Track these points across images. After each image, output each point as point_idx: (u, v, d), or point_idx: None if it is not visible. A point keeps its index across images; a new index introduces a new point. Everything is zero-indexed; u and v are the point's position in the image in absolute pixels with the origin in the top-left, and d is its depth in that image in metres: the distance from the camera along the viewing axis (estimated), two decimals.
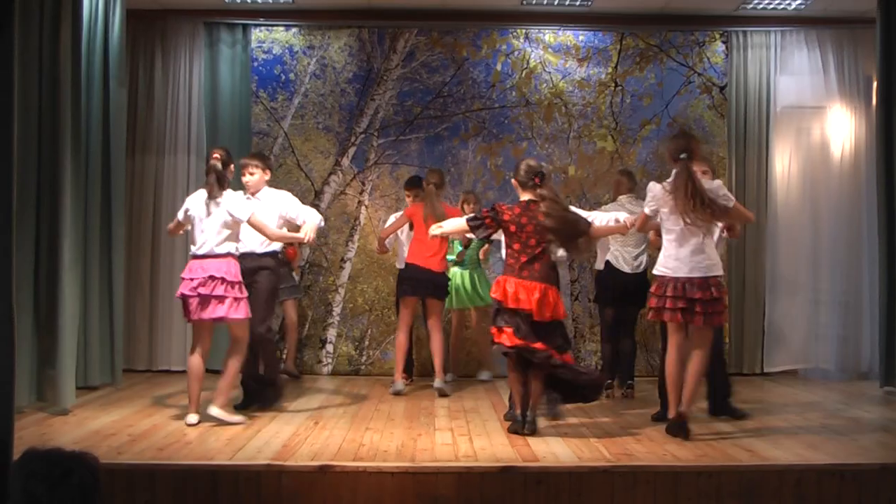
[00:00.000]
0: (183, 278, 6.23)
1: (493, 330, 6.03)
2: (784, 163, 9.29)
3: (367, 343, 9.07)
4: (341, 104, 9.26)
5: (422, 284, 7.70)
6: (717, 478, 5.03)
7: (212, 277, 6.11)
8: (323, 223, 7.18)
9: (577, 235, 6.05)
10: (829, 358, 9.11)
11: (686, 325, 5.88)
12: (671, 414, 5.98)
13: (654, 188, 6.01)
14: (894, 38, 7.82)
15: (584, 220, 6.13)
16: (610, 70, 9.32)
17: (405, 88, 9.26)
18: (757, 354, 9.15)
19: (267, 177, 6.92)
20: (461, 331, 8.68)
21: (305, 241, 6.63)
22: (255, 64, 9.21)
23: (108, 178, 7.62)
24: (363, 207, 9.22)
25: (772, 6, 8.78)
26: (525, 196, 6.08)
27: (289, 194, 7.08)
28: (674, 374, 5.95)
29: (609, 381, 7.65)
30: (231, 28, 9.16)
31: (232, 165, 6.49)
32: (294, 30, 9.27)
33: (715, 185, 5.97)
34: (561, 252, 6.19)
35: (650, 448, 5.58)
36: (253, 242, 6.63)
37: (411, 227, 7.90)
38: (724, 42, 9.36)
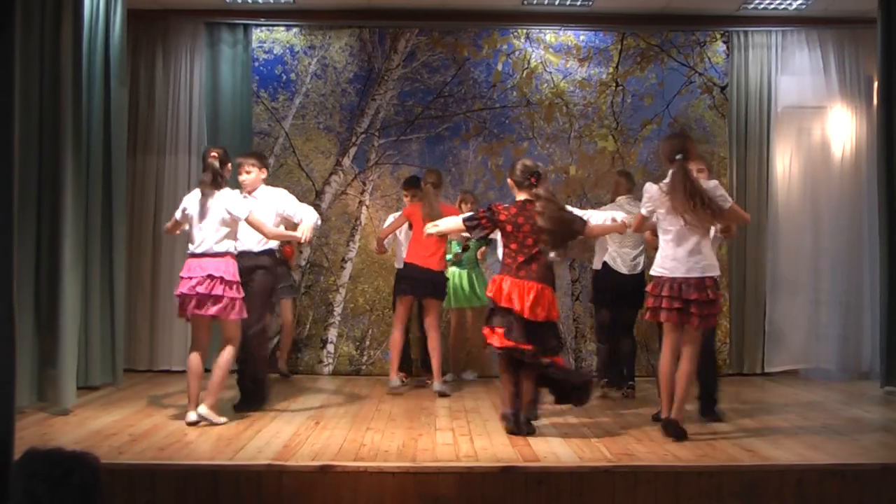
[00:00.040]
0: (182, 277, 6.24)
1: (486, 330, 6.04)
2: (785, 163, 9.30)
3: (367, 343, 9.07)
4: (342, 104, 9.26)
5: (420, 284, 7.70)
6: (718, 478, 5.03)
7: (210, 277, 6.11)
8: (320, 221, 7.20)
9: (571, 236, 6.05)
10: (829, 358, 9.11)
11: (681, 325, 5.88)
12: (664, 413, 5.99)
13: (650, 189, 6.01)
14: (895, 38, 7.81)
15: (580, 219, 6.12)
16: (611, 70, 9.32)
17: (406, 88, 9.26)
18: (758, 354, 9.15)
19: (263, 175, 6.93)
20: (460, 331, 8.67)
21: (302, 240, 6.63)
22: (256, 64, 9.22)
23: (109, 178, 7.62)
24: (364, 207, 9.22)
25: (773, 6, 8.78)
26: (521, 196, 6.08)
27: (285, 192, 7.09)
28: (667, 373, 5.96)
29: (604, 381, 7.68)
30: (232, 28, 9.17)
31: (229, 164, 6.50)
32: (295, 30, 9.28)
33: (711, 186, 5.97)
34: (552, 254, 6.15)
35: (651, 448, 5.57)
36: (250, 241, 6.63)
37: (410, 227, 7.90)
38: (725, 42, 9.36)
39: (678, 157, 5.87)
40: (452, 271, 8.29)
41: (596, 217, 6.41)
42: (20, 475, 2.62)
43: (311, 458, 5.17)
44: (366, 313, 9.11)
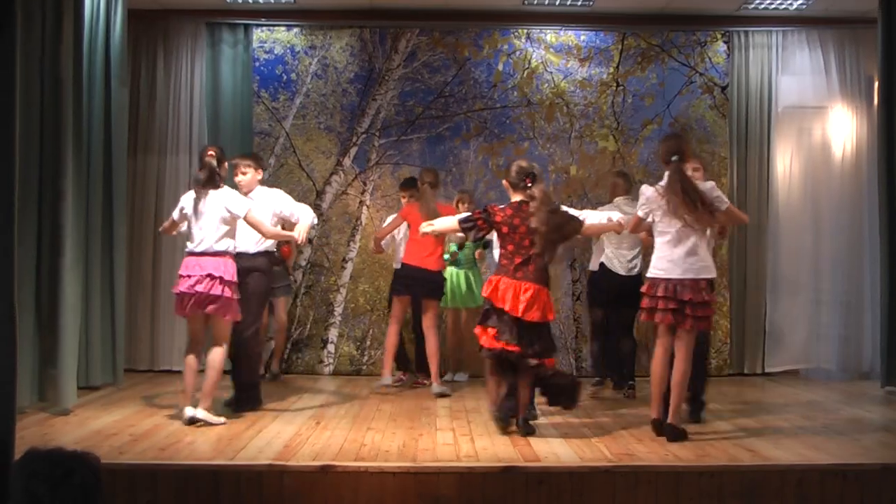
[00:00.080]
0: (180, 275, 6.23)
1: (478, 329, 6.05)
2: (785, 163, 9.30)
3: (368, 343, 9.07)
4: (343, 104, 9.26)
5: (417, 284, 7.71)
6: (719, 478, 5.03)
7: (210, 276, 6.11)
8: (316, 220, 7.24)
9: (565, 237, 6.06)
10: (830, 358, 9.11)
11: (675, 326, 5.88)
12: (653, 414, 5.99)
13: (646, 191, 6.02)
14: None
15: (576, 219, 6.13)
16: (611, 70, 9.32)
17: (407, 88, 9.26)
18: (758, 354, 9.15)
19: (259, 176, 6.93)
20: (456, 331, 8.65)
21: (300, 240, 6.65)
22: (257, 64, 9.22)
23: (110, 178, 7.63)
24: (365, 207, 9.22)
25: (773, 6, 8.78)
26: (517, 197, 6.08)
27: (281, 192, 7.11)
28: (660, 374, 5.97)
29: (598, 380, 7.71)
30: (233, 28, 9.17)
31: (226, 163, 6.51)
32: (296, 30, 9.27)
33: (708, 187, 5.97)
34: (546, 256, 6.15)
35: (651, 448, 5.57)
36: (247, 242, 6.63)
37: (410, 228, 7.90)
38: (725, 42, 9.36)
39: (674, 158, 5.88)
40: (450, 271, 8.29)
41: (592, 217, 6.41)
42: (21, 475, 2.62)
43: (312, 458, 5.17)
44: (366, 313, 9.10)
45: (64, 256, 6.60)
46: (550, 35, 9.31)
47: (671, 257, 5.85)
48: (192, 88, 9.08)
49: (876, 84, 8.42)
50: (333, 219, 9.20)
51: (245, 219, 6.26)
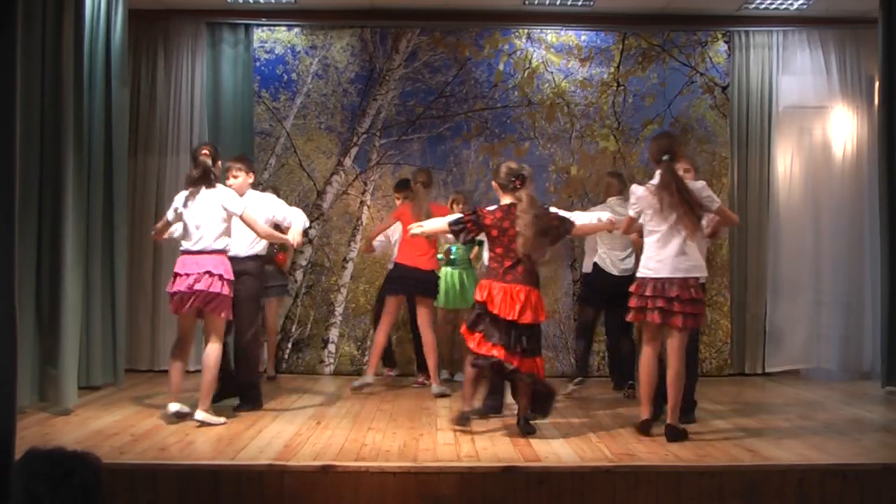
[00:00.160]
0: (177, 273, 6.22)
1: (465, 330, 6.04)
2: (786, 163, 9.30)
3: (369, 343, 9.05)
4: (343, 104, 9.27)
5: (409, 283, 7.72)
6: (720, 478, 5.03)
7: (209, 273, 6.12)
8: (308, 224, 7.27)
9: (551, 241, 6.06)
10: (830, 358, 9.11)
11: (663, 325, 5.87)
12: (643, 414, 5.98)
13: (637, 190, 6.01)
14: None
15: (566, 221, 6.12)
16: (612, 70, 9.32)
17: (407, 88, 9.26)
18: (758, 354, 9.15)
19: (250, 179, 6.94)
20: (445, 330, 8.60)
21: (293, 244, 6.69)
22: (258, 64, 9.22)
23: (111, 178, 7.63)
24: (365, 207, 9.22)
25: (774, 6, 8.78)
26: (506, 199, 6.07)
27: (273, 196, 7.17)
28: (648, 375, 5.97)
29: (580, 380, 7.75)
30: (233, 28, 9.18)
31: (220, 162, 6.51)
32: (296, 30, 9.28)
33: (699, 186, 5.96)
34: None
35: (652, 448, 5.57)
36: (237, 245, 6.61)
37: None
38: (726, 42, 9.36)
39: (665, 157, 5.88)
40: (445, 271, 8.28)
41: (582, 218, 6.40)
42: (21, 475, 2.63)
43: (313, 458, 5.17)
44: (367, 313, 9.09)
45: (64, 256, 6.60)
46: (551, 35, 9.31)
47: (660, 257, 5.85)
48: (193, 88, 9.08)
49: (876, 84, 8.42)
50: (334, 219, 9.20)
51: (241, 217, 6.27)
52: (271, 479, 4.95)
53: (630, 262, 7.56)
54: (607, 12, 9.08)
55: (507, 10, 9.04)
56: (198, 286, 6.09)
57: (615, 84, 9.33)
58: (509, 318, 5.83)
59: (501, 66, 9.30)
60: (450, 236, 6.46)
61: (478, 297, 6.02)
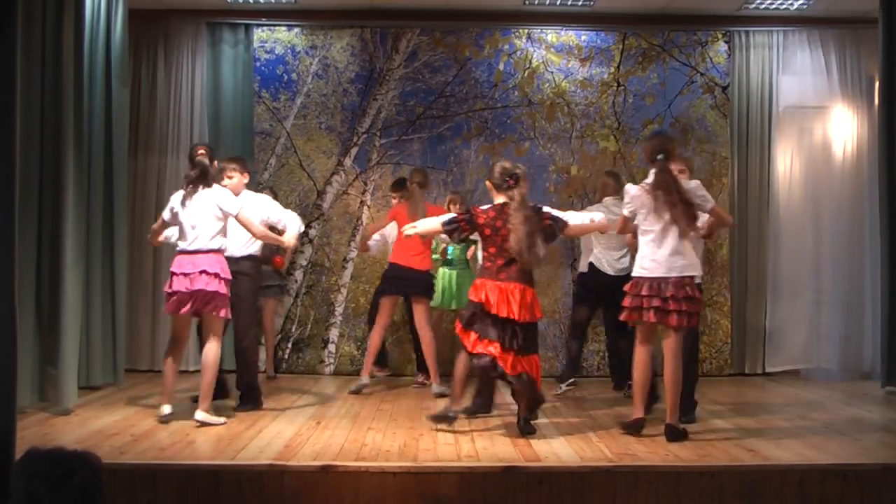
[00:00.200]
0: (173, 273, 6.21)
1: (459, 329, 6.04)
2: (786, 163, 9.30)
3: (369, 343, 9.05)
4: (344, 104, 9.27)
5: (404, 283, 7.72)
6: (720, 478, 5.03)
7: (205, 272, 6.11)
8: (303, 228, 7.31)
9: (545, 241, 6.05)
10: (830, 358, 9.11)
11: (658, 325, 5.86)
12: (638, 413, 5.97)
13: (631, 189, 6.01)
14: None
15: (559, 221, 6.11)
16: (612, 70, 9.32)
17: (407, 88, 9.26)
18: (758, 354, 9.15)
19: (245, 180, 6.94)
20: (439, 329, 8.58)
21: (287, 245, 6.73)
22: (258, 64, 9.22)
23: (111, 178, 7.63)
24: (365, 207, 9.22)
25: (774, 6, 8.78)
26: (500, 198, 6.06)
27: (268, 198, 7.18)
28: (642, 376, 5.97)
29: (572, 381, 7.74)
30: (233, 28, 9.18)
31: (216, 162, 6.51)
32: (296, 30, 9.28)
33: (693, 186, 5.96)
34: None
35: (652, 448, 5.57)
36: (232, 245, 6.59)
37: None
38: (726, 42, 9.36)
39: (659, 156, 5.87)
40: (442, 272, 8.27)
41: (575, 218, 6.40)
42: (21, 475, 2.63)
43: (313, 458, 5.17)
44: (367, 313, 9.08)
45: (65, 256, 6.60)
46: (551, 35, 9.31)
47: (655, 256, 5.84)
48: (193, 88, 9.08)
49: (877, 84, 8.42)
50: (334, 219, 9.21)
51: (237, 217, 6.27)
52: (271, 479, 4.95)
53: (626, 262, 7.54)
54: (607, 12, 9.08)
55: (507, 10, 9.04)
56: (196, 285, 6.09)
57: (615, 84, 9.33)
58: (505, 315, 5.83)
59: (501, 66, 9.30)
60: (444, 236, 6.45)
61: (472, 297, 6.02)
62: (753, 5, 8.76)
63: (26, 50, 6.08)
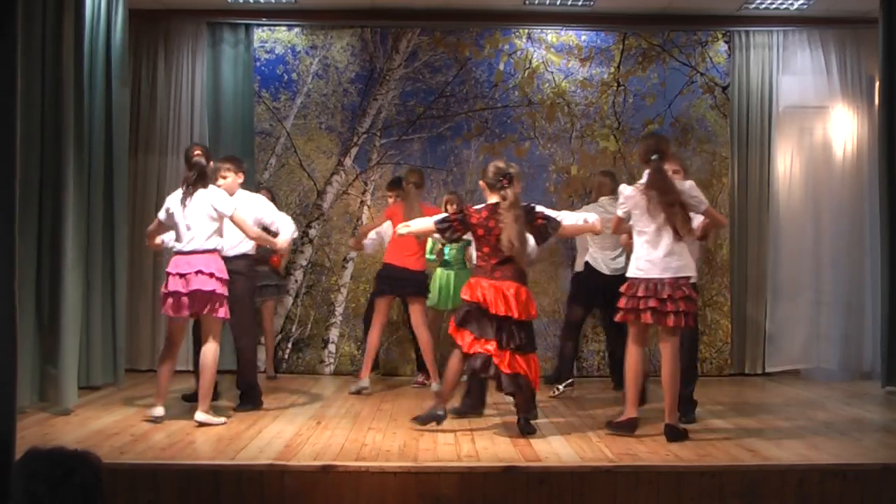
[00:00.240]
0: (169, 273, 6.21)
1: (452, 329, 6.04)
2: (786, 163, 9.30)
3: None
4: (344, 104, 9.27)
5: (398, 283, 7.72)
6: (720, 478, 5.03)
7: (201, 272, 6.11)
8: (296, 233, 7.37)
9: (541, 238, 6.06)
10: (830, 358, 9.11)
11: (651, 326, 5.86)
12: (632, 413, 5.97)
13: (625, 190, 6.01)
14: None
15: (552, 220, 6.12)
16: (612, 70, 9.32)
17: (408, 88, 9.26)
18: (759, 354, 9.15)
19: (240, 180, 6.93)
20: (433, 329, 8.57)
21: (278, 248, 6.78)
22: (258, 64, 9.22)
23: (111, 178, 7.63)
24: (366, 207, 9.22)
25: (774, 6, 8.78)
26: (493, 198, 6.06)
27: (263, 198, 7.18)
28: (634, 374, 5.97)
29: (570, 382, 7.71)
30: (234, 28, 9.18)
31: (211, 162, 6.52)
32: (296, 30, 9.28)
33: (687, 186, 5.95)
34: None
35: (652, 448, 5.57)
36: (224, 245, 6.58)
37: None
38: (726, 42, 9.36)
39: (653, 157, 5.87)
40: (439, 272, 8.26)
41: (569, 218, 6.40)
42: (21, 475, 2.62)
43: (313, 458, 5.17)
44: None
45: (65, 256, 6.60)
46: (551, 35, 9.31)
47: (649, 257, 5.84)
48: (193, 88, 9.08)
49: (877, 84, 8.42)
50: (334, 218, 9.21)
51: (231, 218, 6.28)
52: (272, 479, 4.94)
53: (621, 262, 7.54)
54: (607, 12, 9.08)
55: (507, 10, 9.04)
56: (192, 286, 6.09)
57: (615, 84, 9.33)
58: (503, 313, 5.84)
59: (502, 66, 9.30)
60: (437, 236, 6.46)
61: (465, 296, 6.02)
62: (753, 5, 8.76)
63: (26, 50, 6.08)
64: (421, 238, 7.55)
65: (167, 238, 6.61)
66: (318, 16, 9.16)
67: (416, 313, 7.77)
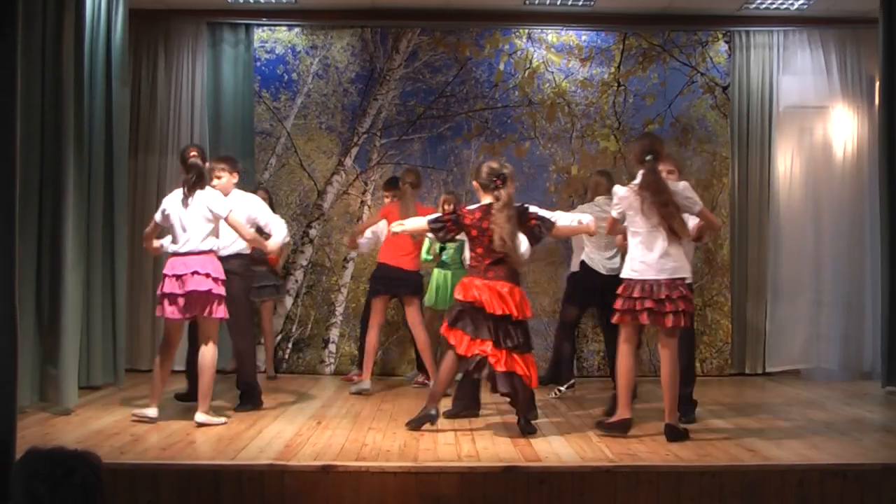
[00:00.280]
0: (165, 275, 6.21)
1: (445, 329, 6.04)
2: (787, 163, 9.30)
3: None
4: (344, 104, 9.27)
5: (393, 283, 7.73)
6: (720, 478, 5.03)
7: (197, 273, 6.11)
8: (288, 238, 7.35)
9: (534, 240, 6.06)
10: (831, 358, 9.11)
11: (647, 326, 5.86)
12: (625, 414, 5.96)
13: (619, 190, 6.00)
14: None
15: (546, 221, 6.11)
16: (613, 70, 9.32)
17: (408, 88, 9.26)
18: (759, 354, 9.15)
19: (235, 179, 6.93)
20: (430, 330, 8.56)
21: (268, 250, 6.81)
22: (258, 64, 9.22)
23: (111, 178, 7.63)
24: (366, 207, 9.22)
25: (774, 6, 8.78)
26: (486, 199, 6.06)
27: (258, 199, 7.15)
28: (627, 374, 5.96)
29: (571, 383, 7.68)
30: (234, 28, 9.18)
31: (208, 162, 6.51)
32: (297, 30, 9.28)
33: (681, 187, 5.94)
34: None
35: (653, 448, 5.57)
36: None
37: None
38: (726, 42, 9.36)
39: (648, 157, 5.86)
40: (436, 272, 8.25)
41: (564, 219, 6.39)
42: (21, 475, 2.63)
43: (313, 458, 5.17)
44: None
45: (65, 256, 6.60)
46: (551, 35, 9.31)
47: (644, 258, 5.83)
48: (194, 88, 9.08)
49: (877, 84, 8.42)
50: (335, 218, 9.21)
51: (227, 220, 6.27)
52: (272, 479, 4.95)
53: (617, 262, 7.49)
54: (608, 12, 9.08)
55: (507, 9, 9.04)
56: (188, 287, 6.09)
57: (616, 84, 9.33)
58: (499, 313, 5.84)
59: (502, 66, 9.30)
60: (431, 235, 6.46)
61: (459, 296, 6.02)
62: (754, 5, 8.76)
63: (27, 50, 6.07)
64: (416, 238, 7.56)
65: (165, 242, 6.59)
66: (319, 16, 9.16)
67: (412, 313, 7.78)
